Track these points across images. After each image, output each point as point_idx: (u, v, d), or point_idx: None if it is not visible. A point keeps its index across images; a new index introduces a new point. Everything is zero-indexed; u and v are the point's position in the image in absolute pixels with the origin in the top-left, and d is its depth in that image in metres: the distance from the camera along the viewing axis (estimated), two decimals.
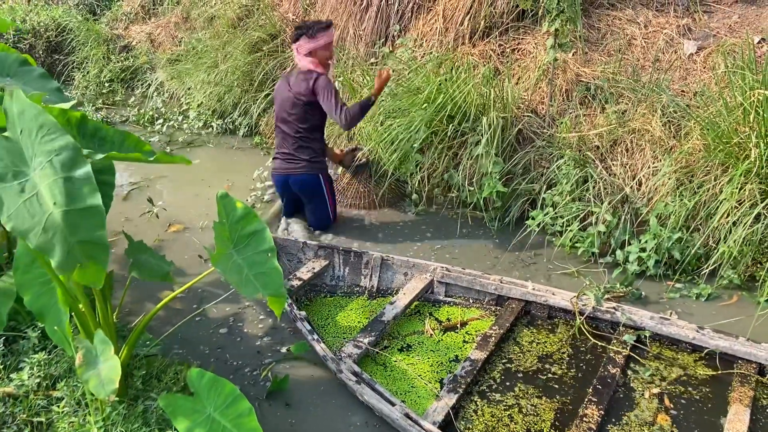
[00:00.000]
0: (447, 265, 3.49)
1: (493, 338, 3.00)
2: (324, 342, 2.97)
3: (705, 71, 4.52)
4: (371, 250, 3.67)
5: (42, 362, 2.45)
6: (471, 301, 3.42)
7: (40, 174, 1.84)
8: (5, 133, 1.96)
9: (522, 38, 4.95)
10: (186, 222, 4.35)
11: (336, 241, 4.07)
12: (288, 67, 5.59)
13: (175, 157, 2.40)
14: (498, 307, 3.33)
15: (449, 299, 3.44)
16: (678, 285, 3.46)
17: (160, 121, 6.02)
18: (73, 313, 2.19)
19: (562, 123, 4.09)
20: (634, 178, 3.84)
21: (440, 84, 4.11)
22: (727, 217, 3.39)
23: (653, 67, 4.41)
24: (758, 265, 3.42)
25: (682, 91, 4.30)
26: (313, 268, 3.53)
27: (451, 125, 4.08)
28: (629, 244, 3.61)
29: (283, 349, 3.09)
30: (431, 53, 4.95)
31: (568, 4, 3.78)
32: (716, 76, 4.11)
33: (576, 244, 3.72)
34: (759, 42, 4.36)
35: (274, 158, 4.21)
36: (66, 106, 2.15)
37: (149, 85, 6.61)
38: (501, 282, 3.34)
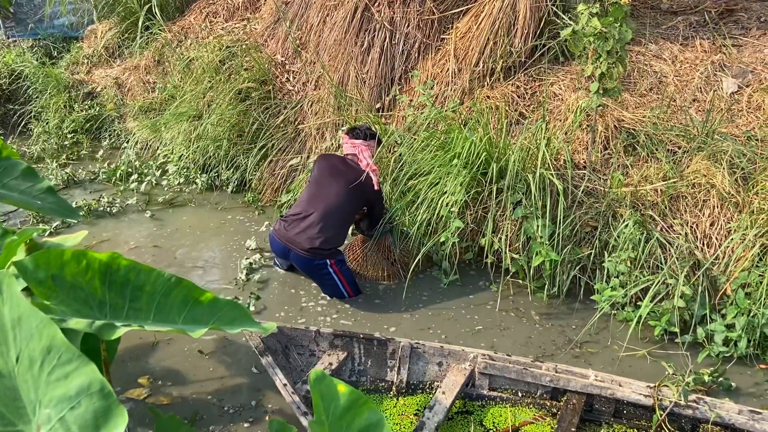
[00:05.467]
0: (489, 351, 2.93)
1: None
2: None
3: (751, 112, 4.13)
4: (397, 336, 3.09)
5: None
6: (520, 395, 2.86)
7: None
8: None
9: (544, 79, 4.48)
10: None
11: (352, 321, 3.47)
12: (282, 114, 5.00)
13: (249, 321, 1.70)
14: (554, 402, 2.79)
15: (494, 394, 2.87)
16: None
17: (135, 177, 5.30)
18: None
19: (613, 177, 3.60)
20: (704, 242, 3.37)
21: (479, 140, 3.57)
22: None
23: (706, 108, 3.96)
24: None
25: (734, 135, 3.88)
26: (330, 364, 2.91)
27: (493, 185, 3.54)
28: (710, 320, 3.12)
29: None
30: (446, 97, 4.44)
31: (620, 45, 3.31)
32: None
33: (648, 321, 3.20)
34: None
35: (281, 219, 3.68)
36: (77, 237, 1.46)
37: (119, 135, 5.91)
38: (557, 372, 2.79)
